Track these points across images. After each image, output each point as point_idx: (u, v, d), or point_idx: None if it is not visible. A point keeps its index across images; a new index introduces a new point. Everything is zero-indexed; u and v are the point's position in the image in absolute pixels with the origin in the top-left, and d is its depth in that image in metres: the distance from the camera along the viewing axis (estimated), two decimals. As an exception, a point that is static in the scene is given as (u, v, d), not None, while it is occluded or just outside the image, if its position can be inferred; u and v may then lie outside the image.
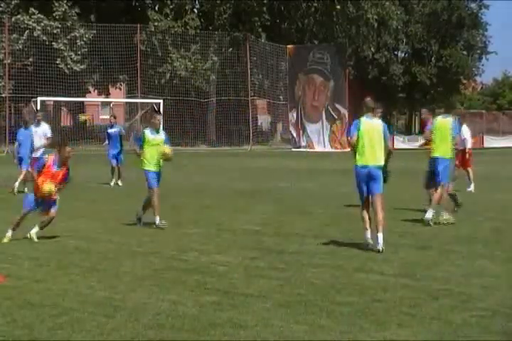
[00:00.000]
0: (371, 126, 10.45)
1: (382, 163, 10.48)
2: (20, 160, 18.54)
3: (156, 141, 12.71)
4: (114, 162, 21.30)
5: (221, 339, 6.15)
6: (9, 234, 10.93)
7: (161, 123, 13.55)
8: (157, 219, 12.37)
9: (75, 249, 10.27)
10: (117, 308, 7.00)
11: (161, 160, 12.79)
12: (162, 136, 12.91)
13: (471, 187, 19.10)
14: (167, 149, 12.67)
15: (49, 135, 18.55)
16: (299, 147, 50.45)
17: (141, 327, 6.41)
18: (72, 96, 43.36)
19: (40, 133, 18.64)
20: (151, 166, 12.73)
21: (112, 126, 22.06)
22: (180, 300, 7.33)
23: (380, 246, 9.96)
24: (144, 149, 12.74)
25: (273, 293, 7.70)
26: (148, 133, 12.80)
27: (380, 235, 10.04)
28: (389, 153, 11.19)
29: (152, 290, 7.78)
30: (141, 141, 12.85)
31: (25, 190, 16.62)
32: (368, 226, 10.36)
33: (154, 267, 9.03)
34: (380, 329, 6.39)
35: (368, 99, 10.55)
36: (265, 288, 7.89)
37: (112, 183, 20.92)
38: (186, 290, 7.77)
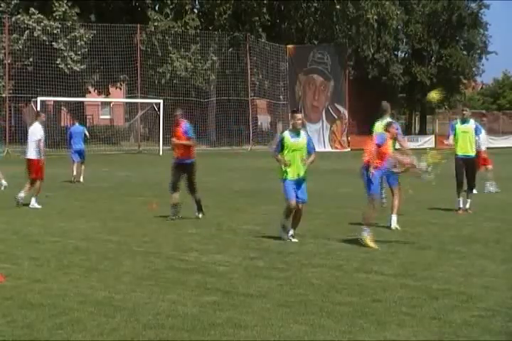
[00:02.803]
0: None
1: None
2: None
3: (298, 146, 10.89)
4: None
5: (221, 339, 6.15)
6: None
7: (303, 123, 12.01)
8: (291, 232, 10.99)
9: (75, 249, 10.27)
10: (117, 308, 7.00)
11: (305, 169, 11.00)
12: (304, 138, 11.02)
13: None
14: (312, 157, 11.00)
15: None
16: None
17: (141, 327, 6.41)
18: (72, 96, 43.30)
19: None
20: (291, 175, 10.92)
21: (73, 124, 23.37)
22: (180, 300, 7.33)
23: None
24: (282, 155, 10.89)
25: (273, 293, 7.70)
26: (288, 136, 10.91)
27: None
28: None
29: (152, 290, 7.78)
30: (280, 146, 10.94)
31: None
32: None
33: (154, 267, 9.03)
34: (380, 329, 6.39)
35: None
36: (265, 288, 7.89)
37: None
38: (186, 290, 7.77)
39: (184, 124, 14.05)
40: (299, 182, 10.95)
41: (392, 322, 6.60)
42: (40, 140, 15.80)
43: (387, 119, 13.31)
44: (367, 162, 10.99)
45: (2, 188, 19.15)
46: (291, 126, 11.20)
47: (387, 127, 11.74)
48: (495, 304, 7.26)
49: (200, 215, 13.65)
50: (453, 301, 7.36)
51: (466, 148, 15.04)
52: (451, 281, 8.26)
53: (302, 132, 11.03)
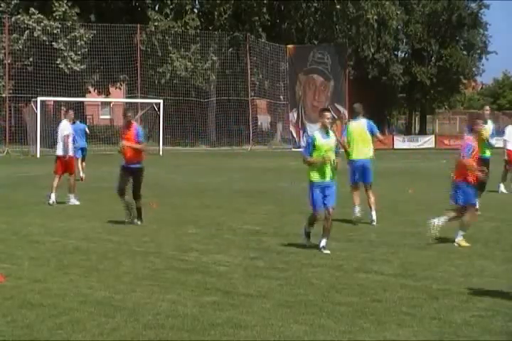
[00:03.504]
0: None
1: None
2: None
3: (328, 146, 10.27)
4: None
5: (221, 339, 6.15)
6: None
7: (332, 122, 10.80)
8: (323, 242, 10.26)
9: (75, 249, 10.27)
10: (117, 308, 7.00)
11: (333, 171, 10.35)
12: (333, 138, 10.52)
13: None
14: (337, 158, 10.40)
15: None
16: (299, 147, 50.40)
17: (141, 327, 6.41)
18: (72, 96, 43.27)
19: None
20: (319, 177, 10.28)
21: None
22: (180, 300, 7.33)
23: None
24: (312, 156, 10.29)
25: (273, 293, 7.70)
26: (319, 136, 10.31)
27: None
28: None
29: (152, 290, 7.78)
30: (309, 146, 10.36)
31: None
32: None
33: (154, 267, 9.03)
34: (380, 330, 6.39)
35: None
36: (265, 288, 7.89)
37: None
38: (186, 290, 7.77)
39: (136, 127, 13.25)
40: (327, 187, 10.25)
41: (392, 322, 6.60)
42: (67, 136, 16.23)
43: (362, 120, 13.48)
44: (463, 177, 10.91)
45: None
46: (320, 125, 10.48)
47: (474, 125, 11.36)
48: (495, 304, 7.26)
49: (139, 223, 12.83)
50: (453, 301, 7.36)
51: (482, 149, 14.78)
52: (451, 281, 8.26)
53: (331, 131, 10.46)
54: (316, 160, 10.20)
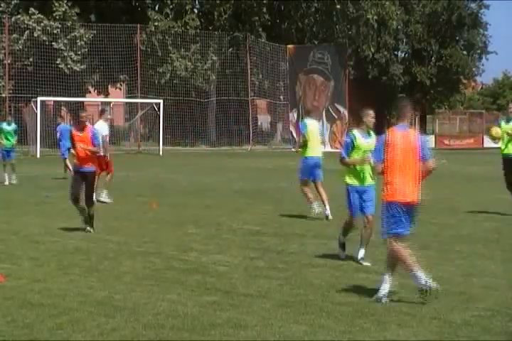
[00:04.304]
0: None
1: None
2: None
3: (368, 146, 9.31)
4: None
5: (221, 339, 6.15)
6: None
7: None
8: (361, 253, 9.45)
9: (75, 249, 10.27)
10: (117, 308, 7.00)
11: (371, 173, 9.48)
12: (374, 139, 9.30)
13: None
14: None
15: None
16: (300, 147, 50.39)
17: (141, 327, 6.41)
18: (72, 96, 43.25)
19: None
20: (356, 181, 9.54)
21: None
22: (180, 300, 7.33)
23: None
24: (350, 157, 9.52)
25: (273, 293, 7.70)
26: (359, 135, 9.52)
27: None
28: None
29: (152, 290, 7.78)
30: (348, 146, 9.54)
31: None
32: None
33: (154, 267, 9.03)
34: (380, 329, 6.39)
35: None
36: (265, 288, 7.89)
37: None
38: (186, 290, 7.77)
39: (92, 129, 12.60)
40: (365, 191, 9.48)
41: (392, 322, 6.59)
42: (106, 136, 16.53)
43: (315, 121, 14.43)
44: None
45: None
46: (362, 124, 9.57)
47: None
48: (495, 304, 7.26)
49: (92, 231, 12.07)
50: (453, 301, 7.36)
51: (509, 147, 14.65)
52: (451, 281, 8.25)
53: (371, 131, 9.77)
54: (355, 161, 9.44)
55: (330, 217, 13.25)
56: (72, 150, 13.01)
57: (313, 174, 13.75)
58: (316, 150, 13.70)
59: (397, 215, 7.43)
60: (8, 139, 21.18)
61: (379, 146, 7.63)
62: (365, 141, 9.47)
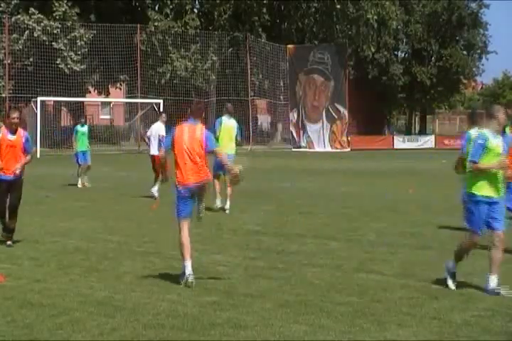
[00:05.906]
0: None
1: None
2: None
3: (500, 149, 7.96)
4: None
5: (221, 339, 6.15)
6: None
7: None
8: (493, 281, 7.84)
9: (75, 249, 10.27)
10: (117, 308, 7.00)
11: (502, 184, 7.99)
12: (501, 139, 8.10)
13: None
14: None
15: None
16: (299, 147, 50.43)
17: (141, 327, 6.41)
18: (72, 96, 43.28)
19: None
20: (488, 191, 7.87)
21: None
22: (180, 300, 7.33)
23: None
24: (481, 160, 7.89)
25: (273, 293, 7.70)
26: (490, 137, 7.86)
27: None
28: None
29: (152, 290, 7.78)
30: (481, 148, 7.82)
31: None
32: None
33: (154, 267, 9.03)
34: (380, 330, 6.39)
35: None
36: (265, 288, 7.89)
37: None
38: (186, 290, 7.78)
39: (25, 133, 10.81)
40: (495, 203, 7.87)
41: (392, 322, 6.59)
42: (163, 136, 16.86)
43: (233, 120, 15.05)
44: None
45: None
46: (494, 123, 8.00)
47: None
48: (495, 304, 7.26)
49: (12, 245, 10.52)
50: (453, 301, 7.36)
51: None
52: (451, 281, 8.24)
53: (508, 130, 8.57)
54: (493, 166, 7.83)
55: (228, 211, 14.48)
56: None
57: (222, 169, 13.94)
58: (227, 147, 14.34)
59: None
60: (82, 141, 21.20)
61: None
62: (496, 142, 7.94)
